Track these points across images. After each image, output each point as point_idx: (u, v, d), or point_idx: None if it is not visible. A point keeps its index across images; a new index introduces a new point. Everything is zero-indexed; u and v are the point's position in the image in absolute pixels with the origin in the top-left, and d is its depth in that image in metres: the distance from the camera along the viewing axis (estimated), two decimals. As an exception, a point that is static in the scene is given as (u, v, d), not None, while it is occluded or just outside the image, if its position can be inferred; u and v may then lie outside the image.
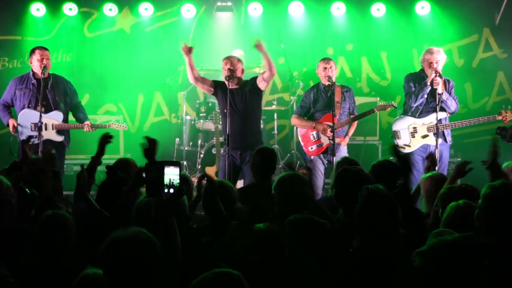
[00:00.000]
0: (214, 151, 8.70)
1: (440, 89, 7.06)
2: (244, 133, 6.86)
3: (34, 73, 7.47)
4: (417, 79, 7.33)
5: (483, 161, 4.49)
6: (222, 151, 7.01)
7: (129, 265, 2.79)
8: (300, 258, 3.16)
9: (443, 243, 2.70)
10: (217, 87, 7.01)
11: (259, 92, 7.08)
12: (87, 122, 7.59)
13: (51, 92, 7.48)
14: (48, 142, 7.37)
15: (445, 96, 7.14)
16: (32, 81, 7.45)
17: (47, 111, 7.42)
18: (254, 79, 7.07)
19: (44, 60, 7.40)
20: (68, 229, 3.47)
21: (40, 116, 7.19)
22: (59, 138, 7.54)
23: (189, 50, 6.93)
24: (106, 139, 5.05)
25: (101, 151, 4.99)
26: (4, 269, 3.23)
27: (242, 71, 7.06)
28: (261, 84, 7.04)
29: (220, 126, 7.78)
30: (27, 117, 7.43)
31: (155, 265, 2.84)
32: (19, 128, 7.43)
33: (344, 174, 4.28)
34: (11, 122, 7.47)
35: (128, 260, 2.79)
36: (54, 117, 7.49)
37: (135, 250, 2.81)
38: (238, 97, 6.91)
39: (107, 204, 4.15)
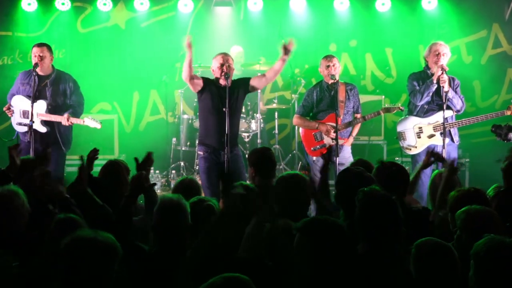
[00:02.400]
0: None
1: (446, 86, 7.05)
2: (233, 132, 6.84)
3: (35, 71, 7.47)
4: (421, 77, 7.32)
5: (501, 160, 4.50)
6: (203, 153, 6.90)
7: (87, 267, 2.86)
8: (308, 261, 3.15)
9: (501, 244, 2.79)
10: (207, 84, 6.93)
11: (246, 93, 7.04)
12: (65, 115, 7.50)
13: (50, 89, 7.49)
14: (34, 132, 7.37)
15: (451, 94, 7.13)
16: (35, 77, 7.45)
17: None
18: (246, 80, 6.98)
19: (37, 56, 7.42)
20: None
21: (32, 114, 7.17)
22: (43, 129, 7.50)
23: (191, 46, 6.85)
24: (93, 155, 5.03)
25: (88, 165, 4.91)
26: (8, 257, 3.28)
27: (233, 70, 7.00)
28: (254, 88, 6.95)
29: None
30: (17, 103, 7.54)
31: (113, 271, 2.91)
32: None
33: (346, 175, 4.28)
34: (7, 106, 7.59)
35: (87, 261, 2.86)
36: (37, 106, 7.41)
37: (96, 251, 2.88)
38: (230, 96, 6.83)
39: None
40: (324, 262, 3.12)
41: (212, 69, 6.93)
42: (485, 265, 2.95)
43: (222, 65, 6.77)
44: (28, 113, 7.31)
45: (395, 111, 7.59)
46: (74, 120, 7.54)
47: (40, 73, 7.43)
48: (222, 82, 6.77)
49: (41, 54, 7.45)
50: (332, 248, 3.13)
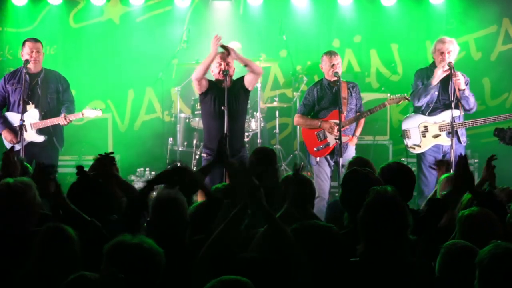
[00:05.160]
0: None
1: (462, 84, 7.08)
2: (234, 136, 6.88)
3: (27, 68, 7.43)
4: (427, 75, 7.33)
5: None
6: (207, 156, 6.97)
7: (130, 274, 2.84)
8: (304, 266, 3.17)
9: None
10: (210, 87, 7.04)
11: (247, 93, 7.14)
12: (61, 114, 7.45)
13: (42, 87, 7.46)
14: (30, 144, 7.33)
15: (467, 91, 7.17)
16: (25, 74, 7.40)
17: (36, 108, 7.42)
18: (241, 79, 7.09)
19: (34, 53, 7.38)
20: (72, 243, 3.45)
21: (22, 114, 7.15)
22: (40, 139, 7.47)
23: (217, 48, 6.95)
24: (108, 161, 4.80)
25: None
26: None
27: (233, 70, 7.08)
28: (248, 85, 7.08)
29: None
30: (12, 120, 7.44)
31: (156, 280, 2.90)
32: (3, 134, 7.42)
33: (352, 176, 4.29)
34: (6, 133, 7.38)
35: (130, 268, 2.85)
36: (30, 115, 7.41)
37: (140, 258, 2.87)
38: (230, 99, 6.91)
39: (79, 208, 4.08)
40: (315, 266, 3.16)
41: (212, 70, 7.03)
42: (488, 274, 2.91)
43: (220, 64, 6.89)
44: (23, 128, 7.24)
45: (401, 101, 7.56)
46: (72, 117, 7.48)
47: (32, 71, 7.41)
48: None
49: (38, 50, 7.44)
50: (322, 252, 3.18)
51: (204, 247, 3.33)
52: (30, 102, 7.35)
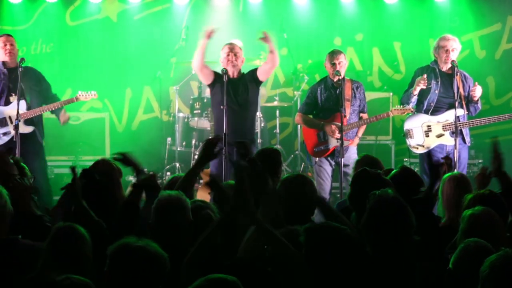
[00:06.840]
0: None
1: (478, 92, 7.14)
2: (243, 128, 6.91)
3: (4, 63, 7.46)
4: (427, 73, 7.33)
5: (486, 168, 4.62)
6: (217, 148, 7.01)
7: (134, 277, 2.85)
8: (318, 266, 3.18)
9: None
10: (217, 78, 7.10)
11: (258, 85, 7.19)
12: (63, 115, 7.56)
13: (24, 81, 7.44)
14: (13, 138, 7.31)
15: (480, 103, 7.28)
16: (3, 71, 7.43)
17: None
18: (253, 70, 7.16)
19: (8, 45, 7.40)
20: (84, 243, 3.44)
21: (18, 113, 7.12)
22: (29, 129, 7.43)
23: (209, 36, 7.02)
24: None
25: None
26: None
27: (242, 61, 7.14)
28: (262, 76, 7.16)
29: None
30: None
31: (160, 282, 2.90)
32: None
33: (362, 176, 4.30)
34: None
35: (135, 271, 2.84)
36: (16, 107, 7.32)
37: (144, 261, 2.86)
38: (239, 89, 6.98)
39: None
40: (328, 269, 3.16)
41: (221, 61, 7.12)
42: (487, 284, 2.88)
43: (228, 54, 6.97)
44: (5, 120, 7.27)
45: (405, 113, 7.56)
46: (66, 102, 7.57)
47: (9, 65, 7.43)
48: (230, 71, 6.92)
49: (12, 43, 7.46)
50: (336, 254, 3.17)
51: (189, 253, 3.33)
52: (13, 94, 7.35)
